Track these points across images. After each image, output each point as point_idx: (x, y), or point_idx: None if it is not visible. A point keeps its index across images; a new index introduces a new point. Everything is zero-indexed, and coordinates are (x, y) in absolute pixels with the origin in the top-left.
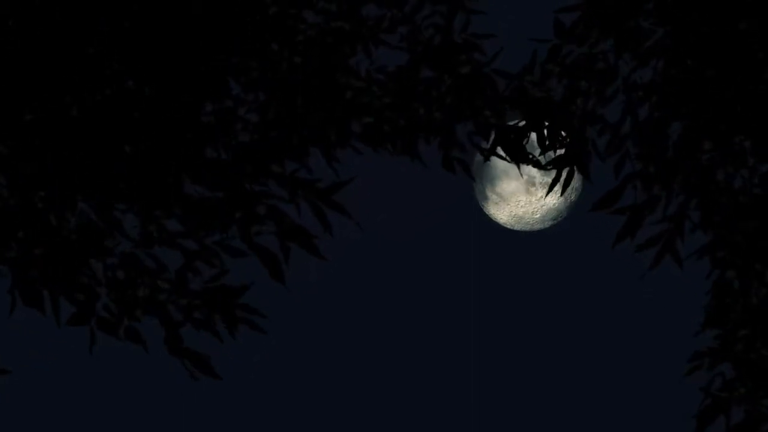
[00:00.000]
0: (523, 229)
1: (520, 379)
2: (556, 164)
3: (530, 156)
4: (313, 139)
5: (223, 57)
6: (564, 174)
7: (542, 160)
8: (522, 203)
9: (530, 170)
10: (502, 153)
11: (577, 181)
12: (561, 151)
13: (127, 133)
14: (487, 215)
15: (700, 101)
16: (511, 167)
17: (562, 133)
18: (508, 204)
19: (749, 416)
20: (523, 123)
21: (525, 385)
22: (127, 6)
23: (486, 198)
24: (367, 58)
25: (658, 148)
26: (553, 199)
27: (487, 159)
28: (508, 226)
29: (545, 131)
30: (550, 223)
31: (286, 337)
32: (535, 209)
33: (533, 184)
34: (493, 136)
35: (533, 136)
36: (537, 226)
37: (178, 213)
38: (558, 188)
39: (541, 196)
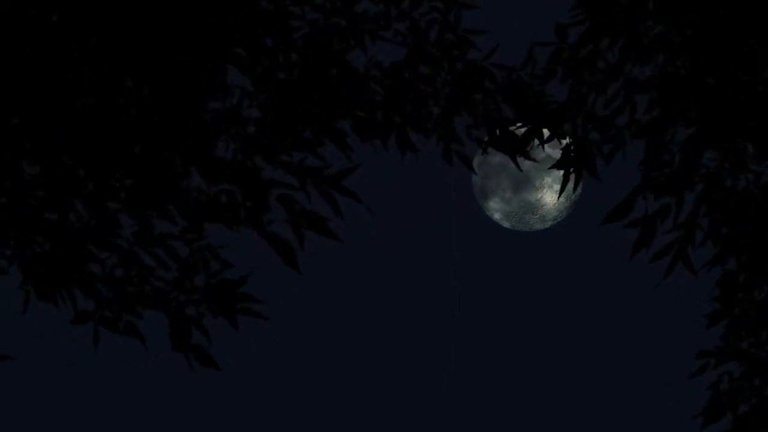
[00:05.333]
0: (523, 229)
1: (521, 378)
2: (561, 166)
3: (526, 150)
4: (325, 130)
5: (222, 53)
6: (571, 175)
7: (538, 152)
8: (522, 203)
9: (530, 171)
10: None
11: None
12: (564, 151)
13: (126, 131)
14: (487, 215)
15: (701, 101)
16: (511, 165)
17: (561, 129)
18: (508, 203)
19: (756, 409)
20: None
21: (526, 384)
22: (123, 5)
23: (485, 197)
24: (363, 54)
25: (662, 152)
26: (553, 199)
27: (485, 151)
28: (508, 226)
29: (538, 124)
30: (550, 223)
31: (285, 333)
32: (535, 209)
33: (533, 184)
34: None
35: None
36: (537, 226)
37: (178, 210)
38: (566, 189)
39: (541, 197)
